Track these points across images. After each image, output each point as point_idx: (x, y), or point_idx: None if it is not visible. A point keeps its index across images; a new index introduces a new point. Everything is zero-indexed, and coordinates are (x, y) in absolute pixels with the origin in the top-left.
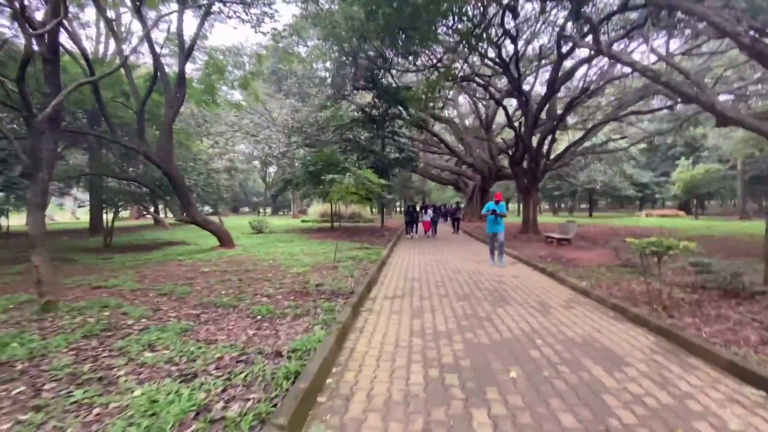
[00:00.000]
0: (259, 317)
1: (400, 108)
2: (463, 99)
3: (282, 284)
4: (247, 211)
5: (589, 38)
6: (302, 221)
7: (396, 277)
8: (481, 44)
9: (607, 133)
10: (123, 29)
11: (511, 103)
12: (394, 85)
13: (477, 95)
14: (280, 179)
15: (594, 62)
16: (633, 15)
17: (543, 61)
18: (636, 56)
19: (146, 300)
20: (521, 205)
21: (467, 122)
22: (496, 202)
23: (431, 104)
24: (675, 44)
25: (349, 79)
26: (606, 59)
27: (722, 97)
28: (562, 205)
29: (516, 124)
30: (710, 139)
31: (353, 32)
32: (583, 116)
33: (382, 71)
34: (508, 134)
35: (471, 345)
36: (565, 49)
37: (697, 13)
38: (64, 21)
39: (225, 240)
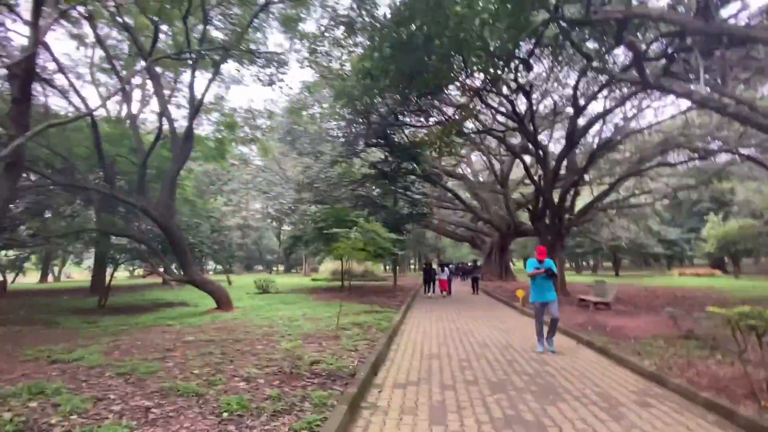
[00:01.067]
0: (225, 415)
1: (413, 163)
2: (475, 157)
3: (270, 360)
4: (261, 269)
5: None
6: (312, 280)
7: (410, 353)
8: (493, 96)
9: (628, 188)
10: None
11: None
12: (405, 141)
13: (490, 152)
14: (289, 236)
15: (610, 117)
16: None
17: (557, 117)
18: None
19: (97, 383)
20: None
21: (481, 178)
22: (540, 260)
23: (445, 150)
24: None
25: (361, 136)
26: (620, 115)
27: None
28: (583, 263)
29: (535, 177)
30: (739, 194)
31: (365, 90)
32: (602, 171)
33: (394, 128)
34: (526, 189)
35: None
36: (582, 101)
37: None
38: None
39: (223, 302)
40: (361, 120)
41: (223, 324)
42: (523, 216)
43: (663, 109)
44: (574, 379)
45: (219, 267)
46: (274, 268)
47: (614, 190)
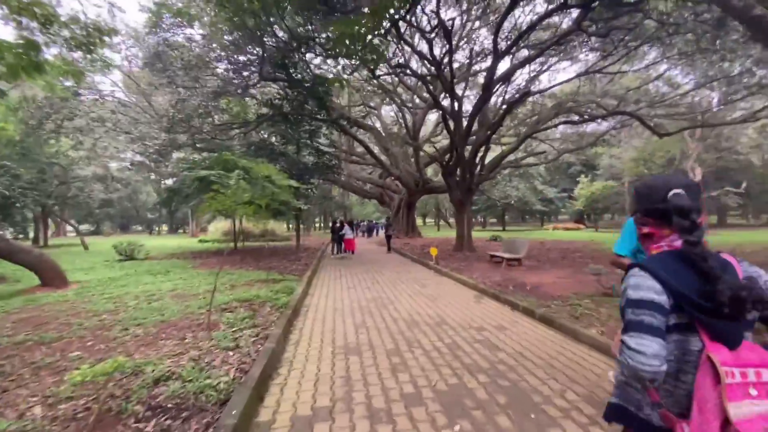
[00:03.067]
0: None
1: (318, 104)
2: (385, 111)
3: (77, 386)
4: (140, 229)
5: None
6: (199, 241)
7: (317, 346)
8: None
9: (522, 149)
10: None
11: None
12: (309, 75)
13: (403, 103)
14: (165, 189)
15: (516, 76)
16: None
17: (475, 62)
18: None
19: None
20: (455, 220)
21: (392, 132)
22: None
23: (369, 57)
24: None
25: (253, 66)
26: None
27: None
28: (473, 220)
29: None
30: (605, 159)
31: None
32: (504, 130)
33: (295, 59)
34: (438, 143)
35: None
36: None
37: None
38: None
39: (49, 277)
40: (253, 45)
41: (37, 312)
42: (430, 173)
43: (556, 76)
44: (542, 373)
45: (87, 227)
46: (156, 229)
47: (518, 149)
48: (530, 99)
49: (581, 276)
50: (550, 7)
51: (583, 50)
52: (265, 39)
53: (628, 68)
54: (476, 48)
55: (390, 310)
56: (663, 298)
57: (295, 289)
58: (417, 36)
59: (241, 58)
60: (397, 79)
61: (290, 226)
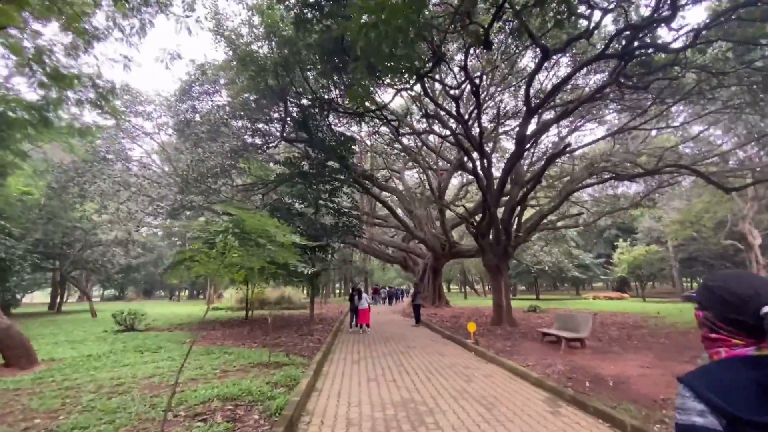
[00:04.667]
0: None
1: (340, 163)
2: (408, 174)
3: None
4: (163, 295)
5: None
6: (213, 308)
7: None
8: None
9: (555, 213)
10: None
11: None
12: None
13: (429, 165)
14: (175, 253)
15: (542, 138)
16: None
17: (503, 121)
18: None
19: None
20: (491, 288)
21: (416, 194)
22: None
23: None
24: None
25: (275, 125)
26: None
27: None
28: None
29: (476, 192)
30: (644, 222)
31: (281, 59)
32: (539, 189)
33: (316, 118)
34: (467, 203)
35: None
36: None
37: None
38: None
39: (15, 356)
40: (275, 106)
41: None
42: (456, 236)
43: (582, 139)
44: None
45: (111, 292)
46: (177, 294)
47: (558, 208)
48: (559, 161)
49: (670, 363)
50: (587, 57)
51: (613, 109)
52: (288, 98)
53: (663, 125)
54: (501, 107)
55: (429, 427)
56: (710, 420)
57: (299, 381)
58: (441, 97)
59: (262, 117)
60: (420, 142)
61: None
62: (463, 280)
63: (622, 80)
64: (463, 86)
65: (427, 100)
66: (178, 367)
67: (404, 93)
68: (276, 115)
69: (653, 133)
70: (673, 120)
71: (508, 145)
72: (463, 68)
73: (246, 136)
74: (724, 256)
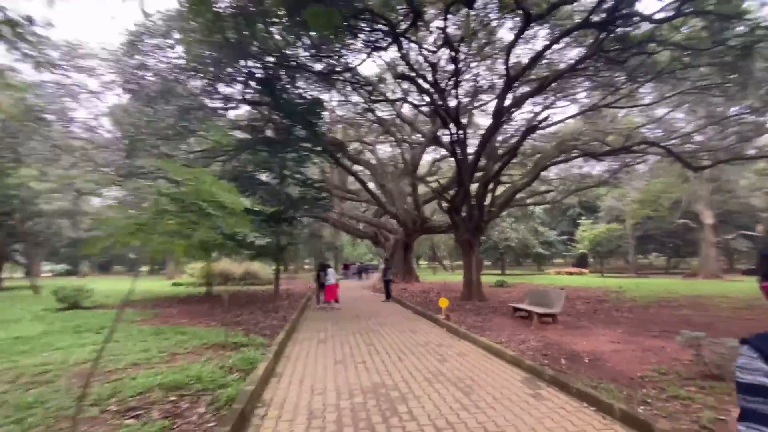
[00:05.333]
0: None
1: (309, 129)
2: (381, 151)
3: None
4: (122, 270)
5: None
6: (173, 285)
7: None
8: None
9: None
10: None
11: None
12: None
13: (403, 137)
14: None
15: (523, 109)
16: None
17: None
18: None
19: None
20: (462, 263)
21: (388, 168)
22: None
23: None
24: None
25: (235, 87)
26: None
27: None
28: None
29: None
30: (607, 201)
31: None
32: (510, 167)
33: (281, 77)
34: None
35: None
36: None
37: None
38: None
39: None
40: (234, 61)
41: None
42: (428, 212)
43: (553, 117)
44: None
45: (60, 267)
46: (141, 270)
47: (532, 183)
48: (530, 139)
49: (640, 338)
50: (570, 25)
51: (585, 87)
52: (250, 55)
53: (632, 104)
54: (478, 80)
55: (403, 417)
56: None
57: (257, 363)
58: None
59: (221, 76)
60: (394, 113)
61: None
62: (432, 256)
63: (602, 53)
64: (440, 53)
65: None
66: (120, 349)
67: (378, 61)
68: (237, 74)
69: (621, 113)
70: (641, 100)
71: (482, 121)
72: (443, 30)
73: (203, 98)
74: (676, 235)
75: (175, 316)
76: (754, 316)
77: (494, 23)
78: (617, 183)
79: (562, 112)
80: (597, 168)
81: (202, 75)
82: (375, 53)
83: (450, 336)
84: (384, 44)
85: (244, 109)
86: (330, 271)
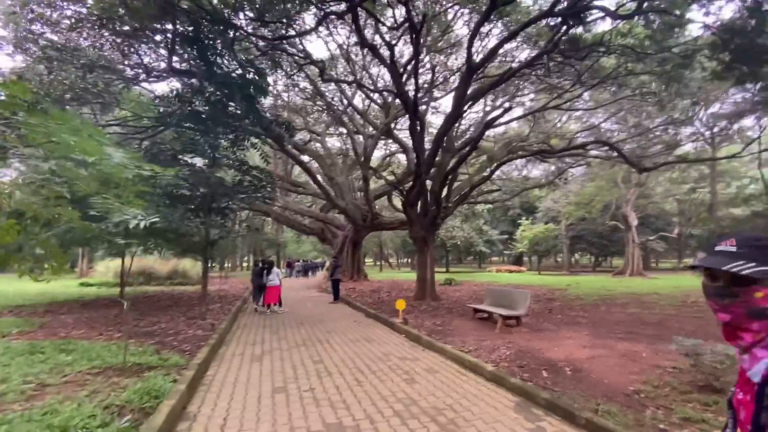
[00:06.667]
0: None
1: (248, 104)
2: (331, 143)
3: None
4: (13, 269)
5: None
6: (81, 284)
7: None
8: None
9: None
10: None
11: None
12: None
13: (355, 127)
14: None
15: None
16: None
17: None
18: None
19: None
20: (416, 261)
21: (338, 161)
22: None
23: None
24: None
25: (157, 51)
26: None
27: None
28: (409, 260)
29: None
30: (545, 202)
31: None
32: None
33: (217, 39)
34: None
35: None
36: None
37: None
38: None
39: None
40: (155, 19)
41: None
42: (377, 207)
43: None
44: None
45: None
46: (46, 267)
47: (490, 177)
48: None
49: (609, 341)
50: (535, 13)
51: (531, 90)
52: (177, 10)
53: (577, 108)
54: (436, 75)
55: None
56: None
57: (163, 397)
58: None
59: (140, 36)
60: (346, 101)
61: (214, 266)
62: (379, 253)
63: (557, 51)
64: (400, 32)
65: (356, 50)
66: None
67: (330, 44)
68: (159, 37)
69: (561, 120)
70: (583, 104)
71: (434, 119)
72: (404, 3)
73: (118, 64)
74: (603, 235)
75: (69, 325)
76: (700, 314)
77: (450, 14)
78: (558, 185)
79: (509, 115)
80: (534, 171)
81: (114, 34)
82: (327, 22)
83: (411, 344)
84: (339, 8)
85: (171, 86)
86: (275, 270)
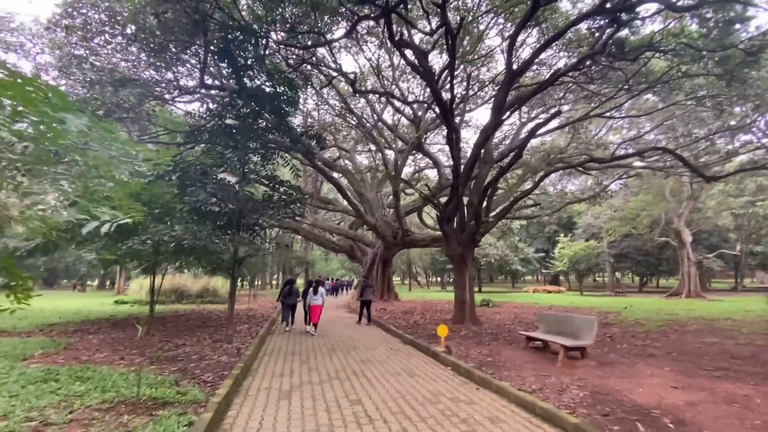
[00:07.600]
0: None
1: (279, 118)
2: (359, 159)
3: None
4: (69, 284)
5: None
6: (115, 302)
7: None
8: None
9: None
10: None
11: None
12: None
13: (386, 142)
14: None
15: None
16: None
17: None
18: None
19: None
20: (453, 280)
21: (367, 177)
22: None
23: None
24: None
25: (189, 65)
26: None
27: None
28: (438, 279)
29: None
30: (585, 218)
31: None
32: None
33: (249, 48)
34: (409, 197)
35: None
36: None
37: None
38: None
39: None
40: (189, 33)
41: None
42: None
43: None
44: None
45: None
46: (84, 284)
47: (535, 189)
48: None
49: (701, 381)
50: (586, 9)
51: (568, 100)
52: (210, 24)
53: (620, 116)
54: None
55: None
56: None
57: None
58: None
59: (174, 53)
60: (375, 116)
61: (244, 283)
62: (407, 272)
63: (611, 50)
64: (435, 36)
65: (386, 64)
66: None
67: (360, 59)
68: (193, 48)
69: (599, 132)
70: (625, 113)
71: (466, 134)
72: (440, 6)
73: (154, 86)
74: (651, 253)
75: (93, 347)
76: None
77: (483, 24)
78: (603, 198)
79: (549, 124)
80: (569, 186)
81: (148, 50)
82: (357, 35)
83: (461, 380)
84: (371, 13)
85: (203, 101)
86: (321, 290)
